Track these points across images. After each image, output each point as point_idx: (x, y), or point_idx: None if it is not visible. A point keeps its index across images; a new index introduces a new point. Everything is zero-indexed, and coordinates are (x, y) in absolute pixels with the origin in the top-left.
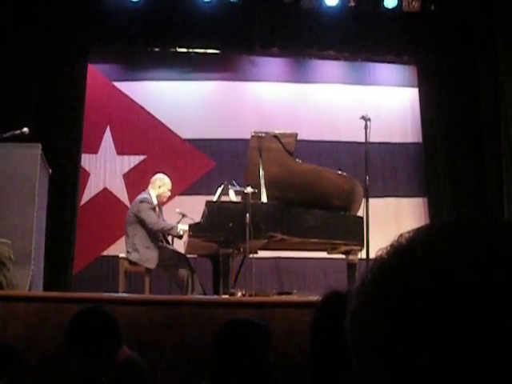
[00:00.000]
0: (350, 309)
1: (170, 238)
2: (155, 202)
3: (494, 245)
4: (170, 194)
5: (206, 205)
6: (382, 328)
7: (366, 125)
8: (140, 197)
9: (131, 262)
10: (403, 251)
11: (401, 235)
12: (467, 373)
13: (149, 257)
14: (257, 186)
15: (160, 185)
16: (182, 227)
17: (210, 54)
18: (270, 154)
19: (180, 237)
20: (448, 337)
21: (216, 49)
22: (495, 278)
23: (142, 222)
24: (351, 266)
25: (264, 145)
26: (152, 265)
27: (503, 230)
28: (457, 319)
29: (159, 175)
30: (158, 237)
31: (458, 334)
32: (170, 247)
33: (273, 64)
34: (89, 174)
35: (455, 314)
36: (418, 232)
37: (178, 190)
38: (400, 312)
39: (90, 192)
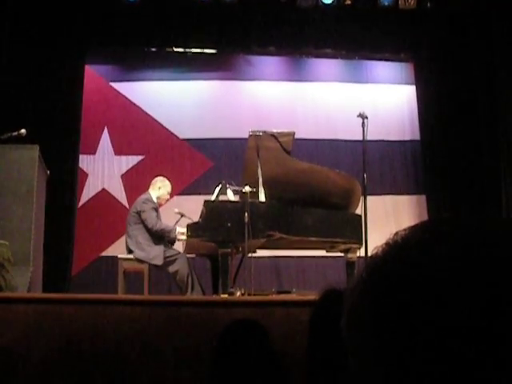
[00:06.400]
0: (345, 307)
1: None
2: (156, 202)
3: (491, 243)
4: (169, 197)
5: (204, 204)
6: (376, 326)
7: (363, 123)
8: (143, 197)
9: (137, 260)
10: (398, 249)
11: (396, 233)
12: (465, 372)
13: (155, 254)
14: (255, 185)
15: (160, 186)
16: (180, 230)
17: (206, 53)
18: (267, 152)
19: (173, 242)
20: (445, 335)
21: (213, 48)
22: (492, 276)
23: (143, 221)
24: (350, 264)
25: (262, 144)
26: (159, 262)
27: (500, 227)
28: (453, 317)
29: (160, 178)
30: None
31: (455, 332)
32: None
33: (270, 63)
34: (87, 175)
35: (451, 311)
36: (414, 230)
37: (177, 189)
38: (395, 310)
39: (88, 193)
